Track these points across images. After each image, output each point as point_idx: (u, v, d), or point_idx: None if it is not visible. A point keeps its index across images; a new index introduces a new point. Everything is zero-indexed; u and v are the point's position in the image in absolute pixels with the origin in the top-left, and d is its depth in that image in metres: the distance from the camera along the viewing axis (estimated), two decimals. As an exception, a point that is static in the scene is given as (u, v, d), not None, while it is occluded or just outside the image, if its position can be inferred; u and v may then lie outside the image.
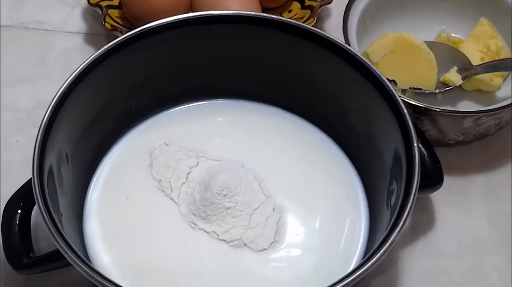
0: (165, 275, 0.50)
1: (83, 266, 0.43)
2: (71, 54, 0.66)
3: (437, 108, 0.55)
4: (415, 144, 0.48)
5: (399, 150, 0.49)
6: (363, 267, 0.43)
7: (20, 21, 0.69)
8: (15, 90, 0.64)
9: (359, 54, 0.52)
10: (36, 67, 0.66)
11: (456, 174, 0.59)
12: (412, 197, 0.46)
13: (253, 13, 0.54)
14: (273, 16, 0.53)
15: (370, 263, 0.44)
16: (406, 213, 0.45)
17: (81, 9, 0.69)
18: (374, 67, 0.51)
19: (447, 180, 0.54)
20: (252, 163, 0.55)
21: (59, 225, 0.45)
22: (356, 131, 0.54)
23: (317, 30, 0.53)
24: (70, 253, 0.43)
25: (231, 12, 0.54)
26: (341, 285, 0.42)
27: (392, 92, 0.50)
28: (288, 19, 0.53)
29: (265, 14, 0.53)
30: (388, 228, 0.46)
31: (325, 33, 0.52)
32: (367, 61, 0.51)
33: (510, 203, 0.57)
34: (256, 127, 0.58)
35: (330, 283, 0.43)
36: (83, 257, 0.44)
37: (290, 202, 0.53)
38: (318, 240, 0.52)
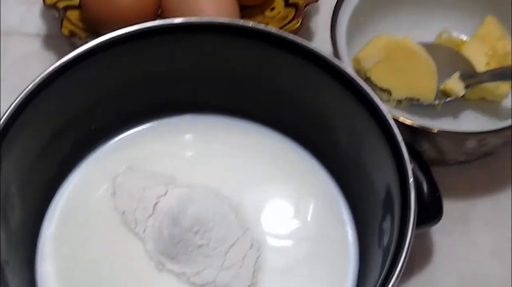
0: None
1: None
2: (29, 59, 0.59)
3: (435, 129, 0.48)
4: (411, 180, 0.41)
5: (391, 184, 0.43)
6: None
7: (-31, 21, 0.62)
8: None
9: (345, 68, 0.45)
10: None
11: (457, 198, 0.53)
12: (408, 241, 0.40)
13: (225, 21, 0.47)
14: (247, 25, 0.46)
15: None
16: (401, 261, 0.39)
17: (40, 7, 0.61)
18: (364, 84, 0.44)
19: (447, 205, 0.48)
20: (228, 188, 0.49)
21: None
22: (346, 156, 0.48)
23: (297, 39, 0.46)
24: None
25: (201, 20, 0.47)
26: None
27: (384, 114, 0.44)
28: (264, 28, 0.46)
29: (238, 22, 0.46)
30: (381, 278, 0.40)
31: (306, 43, 0.46)
32: (355, 76, 0.45)
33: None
34: (233, 145, 0.51)
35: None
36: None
37: (271, 236, 0.47)
38: (302, 278, 0.46)
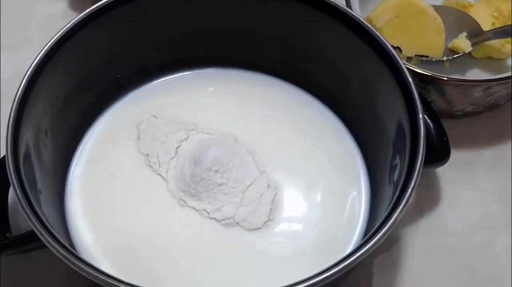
0: (151, 255, 0.47)
1: (58, 248, 0.39)
2: (54, 20, 0.62)
3: (444, 77, 0.51)
4: (421, 115, 0.44)
5: (403, 122, 0.45)
6: (364, 247, 0.40)
7: (-1, -15, 0.65)
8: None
9: (360, 18, 0.48)
10: (17, 34, 0.62)
11: (463, 147, 0.55)
12: (416, 172, 0.43)
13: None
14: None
15: (371, 244, 0.40)
16: (410, 190, 0.42)
17: (66, -31, 0.64)
18: (377, 32, 0.47)
19: (454, 154, 0.50)
20: (245, 136, 0.51)
21: (35, 205, 0.42)
22: (357, 102, 0.51)
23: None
24: (45, 234, 0.40)
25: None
26: (342, 265, 0.39)
27: (397, 59, 0.46)
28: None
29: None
30: (391, 206, 0.42)
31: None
32: (369, 25, 0.47)
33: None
34: (250, 97, 0.54)
35: (331, 261, 0.40)
36: (59, 238, 0.40)
37: (286, 178, 0.50)
38: (316, 217, 0.49)
